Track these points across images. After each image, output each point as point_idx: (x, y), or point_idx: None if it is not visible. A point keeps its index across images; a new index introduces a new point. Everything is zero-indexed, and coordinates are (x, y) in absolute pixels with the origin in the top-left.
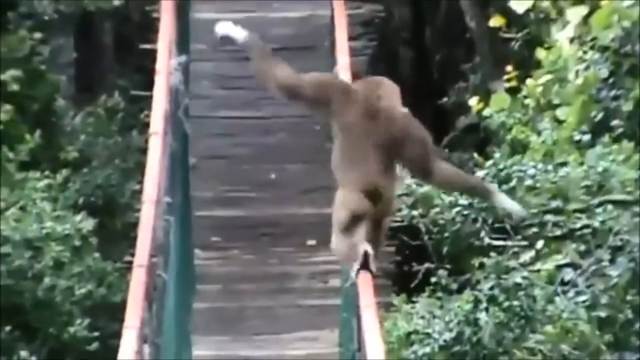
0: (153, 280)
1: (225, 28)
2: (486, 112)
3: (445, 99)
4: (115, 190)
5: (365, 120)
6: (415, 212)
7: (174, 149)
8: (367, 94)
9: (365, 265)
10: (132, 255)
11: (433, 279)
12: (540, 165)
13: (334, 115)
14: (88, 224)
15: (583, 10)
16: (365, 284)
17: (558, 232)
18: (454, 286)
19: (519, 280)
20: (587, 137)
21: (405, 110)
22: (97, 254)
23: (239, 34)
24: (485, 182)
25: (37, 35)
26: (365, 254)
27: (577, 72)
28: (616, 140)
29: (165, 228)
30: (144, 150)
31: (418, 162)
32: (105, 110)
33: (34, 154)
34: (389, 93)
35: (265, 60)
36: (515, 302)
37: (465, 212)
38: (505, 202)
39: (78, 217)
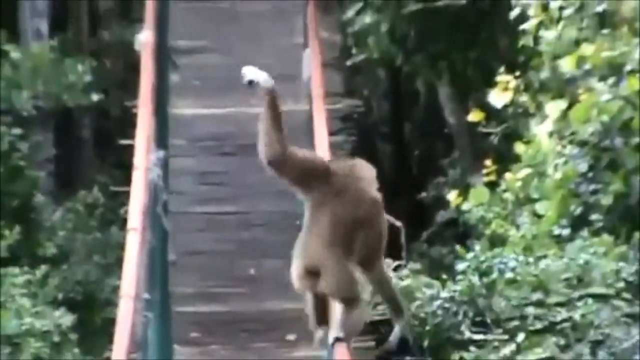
0: None
1: (250, 73)
2: (465, 206)
3: (424, 194)
4: (95, 286)
5: (334, 198)
6: None
7: (153, 244)
8: (343, 173)
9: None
10: (112, 351)
11: None
12: (521, 258)
13: (310, 192)
14: (67, 319)
15: (562, 104)
16: None
17: (539, 325)
18: None
19: None
20: (566, 231)
21: (377, 195)
22: (76, 350)
23: (264, 78)
24: (403, 304)
25: (16, 131)
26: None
27: (556, 166)
28: (596, 234)
29: (144, 324)
30: (123, 246)
31: (368, 250)
32: (85, 206)
33: (12, 250)
34: (365, 175)
35: (276, 118)
36: None
37: (446, 306)
38: (395, 332)
39: (57, 313)
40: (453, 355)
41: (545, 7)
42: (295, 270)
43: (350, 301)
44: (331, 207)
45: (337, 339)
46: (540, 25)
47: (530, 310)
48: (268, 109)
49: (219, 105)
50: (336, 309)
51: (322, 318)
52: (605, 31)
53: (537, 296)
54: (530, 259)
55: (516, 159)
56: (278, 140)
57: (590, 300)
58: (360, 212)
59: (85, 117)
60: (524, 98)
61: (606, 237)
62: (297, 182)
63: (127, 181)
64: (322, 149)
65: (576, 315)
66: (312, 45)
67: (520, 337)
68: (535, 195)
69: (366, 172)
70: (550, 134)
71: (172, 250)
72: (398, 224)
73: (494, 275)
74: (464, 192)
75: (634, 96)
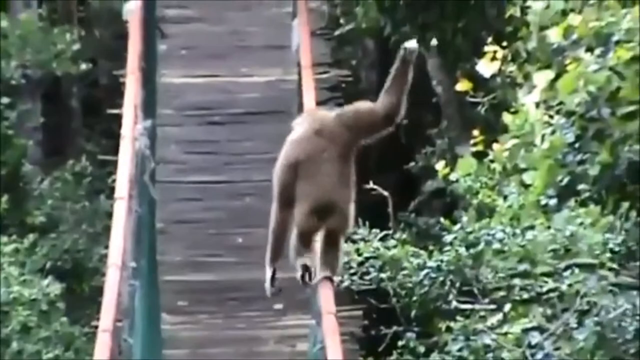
0: (118, 345)
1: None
2: (453, 176)
3: (412, 164)
4: (83, 255)
5: (313, 143)
6: (383, 275)
7: (140, 213)
8: (305, 127)
9: (305, 277)
10: (100, 319)
11: (401, 342)
12: (508, 229)
13: (300, 165)
14: (55, 288)
15: (549, 74)
16: (333, 349)
17: (525, 296)
18: (422, 349)
19: (487, 342)
20: (553, 201)
21: (333, 111)
22: (64, 319)
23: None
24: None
25: (4, 100)
26: (305, 267)
27: (543, 136)
28: (583, 204)
29: (130, 292)
30: (111, 215)
31: (371, 125)
32: (73, 174)
33: (1, 218)
34: (316, 113)
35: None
36: None
37: (433, 275)
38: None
39: (45, 282)
40: (440, 324)
41: None
42: (303, 212)
43: (343, 238)
44: (323, 151)
45: (325, 278)
46: None
47: (517, 280)
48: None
49: (207, 74)
50: (320, 248)
51: (302, 253)
52: (592, 1)
53: (524, 267)
54: (517, 230)
55: (504, 129)
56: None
57: (577, 270)
58: (342, 132)
59: (74, 86)
60: (512, 68)
61: (593, 208)
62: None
63: (115, 150)
64: None
65: (563, 286)
66: (300, 15)
67: (507, 307)
68: (522, 165)
69: (315, 112)
70: (538, 104)
71: (160, 219)
72: (385, 193)
73: (481, 245)
74: (452, 162)
75: (621, 66)
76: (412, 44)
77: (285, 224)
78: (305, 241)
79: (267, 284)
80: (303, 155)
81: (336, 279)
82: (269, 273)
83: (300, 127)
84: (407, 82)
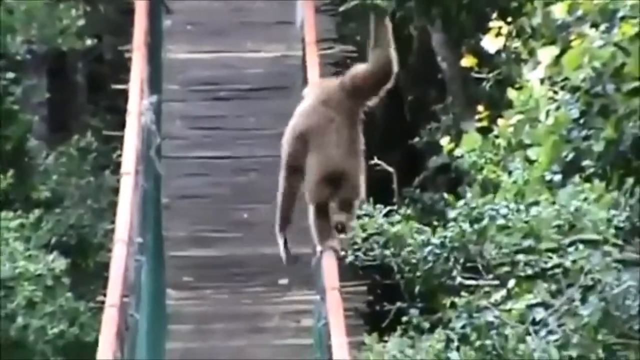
0: (125, 320)
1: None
2: (457, 152)
3: (417, 139)
4: (88, 230)
5: (321, 113)
6: (387, 252)
7: (146, 189)
8: (312, 97)
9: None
10: (105, 295)
11: (405, 318)
12: (512, 205)
13: (309, 136)
14: (60, 263)
15: (554, 50)
16: (336, 324)
17: (530, 272)
18: (426, 325)
19: (490, 319)
20: (558, 177)
21: (335, 79)
22: (69, 294)
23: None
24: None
25: (10, 75)
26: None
27: (548, 112)
28: (587, 180)
29: (137, 268)
30: (116, 190)
31: (368, 83)
32: (78, 150)
33: (6, 194)
34: (321, 82)
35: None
36: (487, 342)
37: (437, 252)
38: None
39: (50, 257)
40: (444, 300)
41: None
42: (313, 182)
43: (355, 206)
44: (330, 120)
45: (331, 249)
46: None
47: (521, 256)
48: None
49: (212, 50)
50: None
51: (328, 233)
52: None
53: (528, 242)
54: (522, 206)
55: (508, 104)
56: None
57: (581, 246)
58: (346, 99)
59: (79, 62)
60: (517, 44)
61: (597, 184)
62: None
63: (121, 126)
64: None
65: (567, 262)
66: None
67: (511, 282)
68: (527, 141)
69: (320, 83)
70: (542, 80)
71: (166, 194)
72: (390, 169)
73: (485, 221)
74: (457, 137)
75: (626, 42)
76: None
77: (293, 189)
78: (322, 214)
79: (282, 253)
80: (311, 125)
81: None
82: (281, 241)
83: (307, 98)
84: (389, 33)
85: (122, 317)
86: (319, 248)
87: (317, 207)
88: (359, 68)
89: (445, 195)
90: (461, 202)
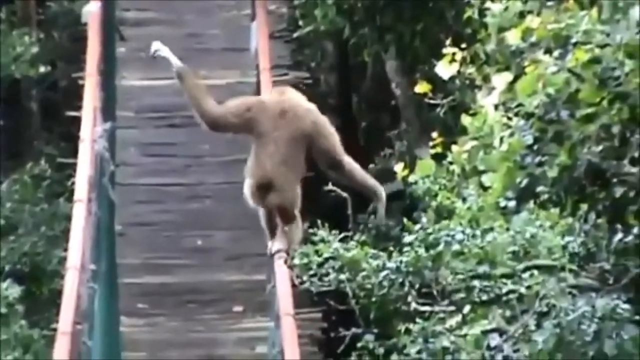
0: (77, 348)
1: (163, 49)
2: (412, 178)
3: (371, 165)
4: (42, 258)
5: (274, 119)
6: (342, 276)
7: (100, 216)
8: (277, 99)
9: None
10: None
11: (360, 344)
12: (467, 231)
13: (254, 127)
14: (14, 291)
15: (508, 77)
16: (291, 352)
17: (485, 297)
18: (381, 351)
19: (446, 344)
20: (512, 204)
21: (311, 105)
22: (23, 322)
23: (174, 59)
24: (377, 183)
25: None
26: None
27: (502, 138)
28: (542, 206)
29: (90, 295)
30: (70, 218)
31: (329, 154)
32: (32, 177)
33: None
34: (294, 95)
35: (196, 90)
36: None
37: (393, 277)
38: (380, 208)
39: (4, 285)
40: (399, 326)
41: None
42: (249, 187)
43: (291, 215)
44: (277, 130)
45: (278, 251)
46: None
47: (477, 282)
48: (187, 86)
49: (166, 76)
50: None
51: (274, 232)
52: (550, 3)
53: (483, 268)
54: (477, 232)
55: (462, 131)
56: (206, 107)
57: (536, 272)
58: (303, 124)
59: (33, 89)
60: (471, 70)
61: (552, 210)
62: (240, 128)
63: (75, 153)
64: None
65: (522, 288)
66: (259, 16)
67: (467, 308)
68: (481, 168)
69: (294, 92)
70: (497, 106)
71: (119, 221)
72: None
73: (441, 247)
74: (411, 164)
75: (579, 68)
76: None
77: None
78: (268, 215)
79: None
80: (260, 118)
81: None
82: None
83: (272, 96)
84: (194, 91)
85: (75, 345)
86: (269, 245)
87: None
88: (338, 142)
89: (404, 220)
90: (417, 227)
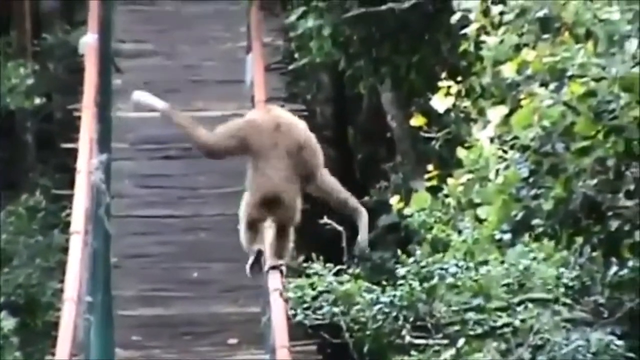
0: None
1: (143, 97)
2: (407, 211)
3: (366, 198)
4: (37, 289)
5: (270, 133)
6: (336, 310)
7: (96, 248)
8: (266, 115)
9: (257, 261)
10: (54, 354)
11: None
12: (461, 263)
13: (250, 145)
14: (9, 323)
15: (504, 110)
16: None
17: (479, 331)
18: None
19: None
20: (507, 236)
21: (299, 120)
22: (18, 353)
23: (158, 103)
24: (358, 203)
25: None
26: (258, 252)
27: (497, 171)
28: (537, 239)
29: (86, 327)
30: (65, 249)
31: (308, 166)
32: (27, 209)
33: None
34: (281, 112)
35: (186, 124)
36: None
37: (387, 310)
38: (361, 229)
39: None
40: (394, 359)
41: (486, 12)
42: (252, 201)
43: (289, 230)
44: (275, 144)
45: (273, 267)
46: (482, 30)
47: (471, 315)
48: (177, 124)
49: None
50: (269, 238)
51: (254, 240)
52: (546, 36)
53: (477, 301)
54: (471, 265)
55: (458, 164)
56: (200, 137)
57: (530, 305)
58: (296, 135)
59: (28, 121)
60: (466, 103)
61: (547, 243)
62: (237, 148)
63: (70, 184)
64: None
65: (516, 321)
66: (255, 49)
67: (461, 342)
68: (477, 200)
69: (280, 109)
70: (492, 139)
71: (115, 253)
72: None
73: (435, 280)
74: (406, 196)
75: (575, 101)
76: None
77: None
78: (254, 229)
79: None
80: (254, 141)
81: (284, 266)
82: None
83: (261, 114)
84: (186, 127)
85: None
86: (249, 248)
87: (249, 223)
88: (322, 164)
89: (399, 252)
90: (411, 260)
